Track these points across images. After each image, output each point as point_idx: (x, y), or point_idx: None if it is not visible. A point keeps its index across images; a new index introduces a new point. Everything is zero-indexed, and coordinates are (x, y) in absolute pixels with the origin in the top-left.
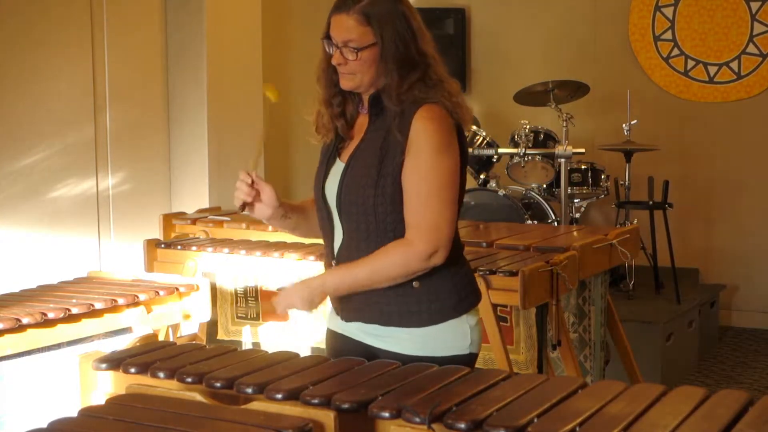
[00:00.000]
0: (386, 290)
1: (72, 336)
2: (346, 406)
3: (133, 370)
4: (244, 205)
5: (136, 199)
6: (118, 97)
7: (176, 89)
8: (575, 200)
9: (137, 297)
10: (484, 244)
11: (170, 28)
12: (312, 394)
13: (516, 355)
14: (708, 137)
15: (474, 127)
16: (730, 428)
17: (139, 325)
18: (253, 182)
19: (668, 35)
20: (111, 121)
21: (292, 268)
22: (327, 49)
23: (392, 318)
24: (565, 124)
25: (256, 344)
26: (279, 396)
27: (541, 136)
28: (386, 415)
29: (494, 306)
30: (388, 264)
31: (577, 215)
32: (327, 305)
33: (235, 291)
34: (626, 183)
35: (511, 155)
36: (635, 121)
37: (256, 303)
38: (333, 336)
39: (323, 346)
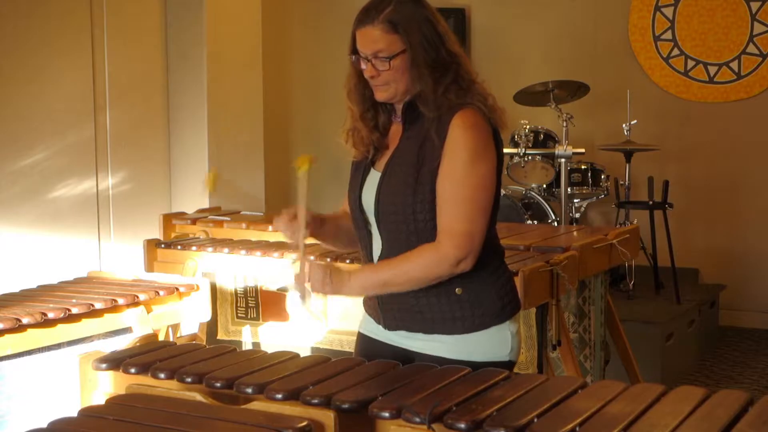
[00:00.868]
0: (429, 298)
1: (72, 336)
2: (346, 406)
3: (133, 370)
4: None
5: (136, 199)
6: (118, 97)
7: (176, 89)
8: (575, 200)
9: (137, 297)
10: None
11: (170, 28)
12: (312, 394)
13: None
14: (708, 137)
15: None
16: (730, 428)
17: (139, 325)
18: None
19: (668, 35)
20: (111, 121)
21: (292, 268)
22: (356, 65)
23: (435, 325)
24: (565, 124)
25: (256, 344)
26: (279, 396)
27: (541, 136)
28: (386, 415)
29: None
30: (414, 266)
31: (577, 215)
32: (358, 308)
33: (235, 291)
34: (626, 183)
35: (511, 155)
36: (635, 121)
37: (256, 303)
38: (367, 340)
39: (323, 346)
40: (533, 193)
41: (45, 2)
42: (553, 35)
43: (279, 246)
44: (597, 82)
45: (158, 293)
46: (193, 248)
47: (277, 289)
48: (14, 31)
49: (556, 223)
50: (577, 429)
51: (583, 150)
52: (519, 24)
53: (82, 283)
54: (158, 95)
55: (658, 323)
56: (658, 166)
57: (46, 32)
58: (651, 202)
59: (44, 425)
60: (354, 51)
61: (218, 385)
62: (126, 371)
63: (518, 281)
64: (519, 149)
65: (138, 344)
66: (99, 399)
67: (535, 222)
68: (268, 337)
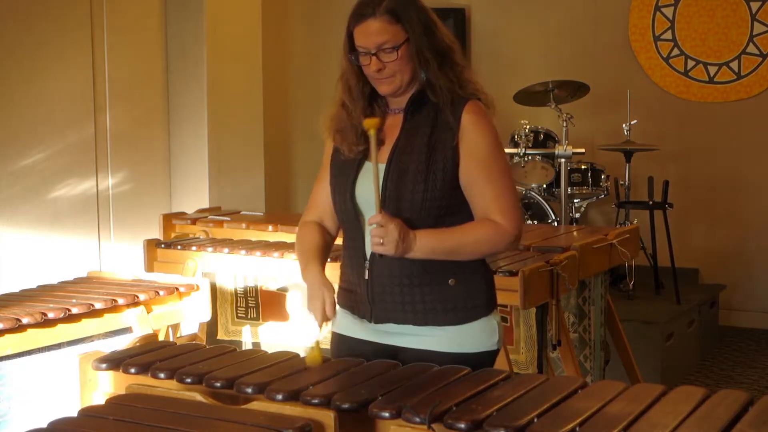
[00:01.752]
0: (422, 288)
1: (72, 336)
2: (346, 406)
3: (133, 370)
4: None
5: (136, 199)
6: (118, 97)
7: (176, 89)
8: (575, 200)
9: (137, 297)
10: None
11: (170, 28)
12: (312, 394)
13: (516, 355)
14: (708, 137)
15: None
16: (730, 428)
17: (139, 325)
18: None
19: (668, 35)
20: (111, 121)
21: (292, 268)
22: (356, 63)
23: (428, 317)
24: (565, 124)
25: (256, 344)
26: (279, 396)
27: (541, 136)
28: (386, 415)
29: None
30: (480, 239)
31: (577, 215)
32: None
33: (235, 291)
34: (626, 183)
35: (511, 155)
36: (635, 121)
37: (256, 303)
38: (344, 340)
39: (324, 346)
40: (533, 193)
41: (45, 2)
42: (553, 35)
43: (279, 246)
44: (597, 82)
45: (158, 293)
46: (193, 248)
47: (277, 289)
48: (14, 31)
49: (556, 223)
50: (577, 429)
51: (583, 150)
52: (519, 24)
53: (82, 283)
54: (158, 95)
55: (658, 323)
56: (658, 166)
57: (46, 32)
58: (651, 202)
59: (44, 425)
60: (352, 49)
61: (218, 385)
62: (126, 371)
63: (518, 281)
64: (519, 149)
65: (138, 344)
66: (99, 399)
67: (535, 222)
68: (268, 337)
